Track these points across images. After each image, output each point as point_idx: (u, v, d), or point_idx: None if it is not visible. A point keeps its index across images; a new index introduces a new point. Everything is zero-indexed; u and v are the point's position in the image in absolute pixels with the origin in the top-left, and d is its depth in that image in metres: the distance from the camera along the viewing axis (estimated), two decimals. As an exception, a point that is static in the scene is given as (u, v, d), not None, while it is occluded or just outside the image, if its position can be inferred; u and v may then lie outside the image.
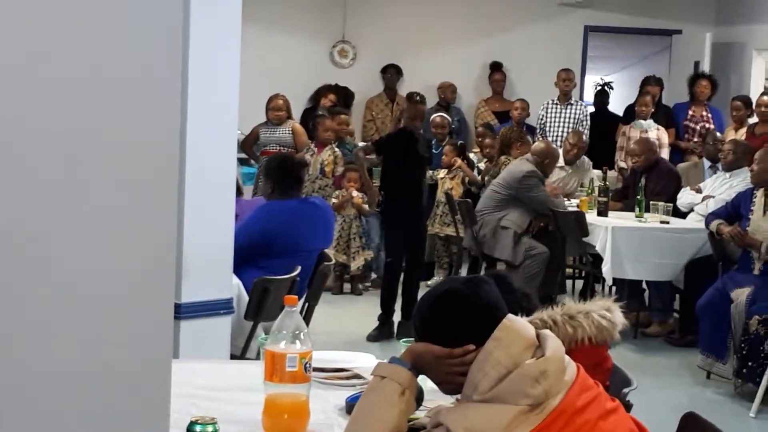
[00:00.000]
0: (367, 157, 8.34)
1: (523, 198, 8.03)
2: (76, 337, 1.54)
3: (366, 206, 8.97)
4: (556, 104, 10.96)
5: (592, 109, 11.52)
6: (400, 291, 7.72)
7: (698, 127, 10.33)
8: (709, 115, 10.40)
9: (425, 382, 2.58)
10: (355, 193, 8.89)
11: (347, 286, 9.24)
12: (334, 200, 8.89)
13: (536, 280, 8.01)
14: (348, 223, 8.99)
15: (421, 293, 7.66)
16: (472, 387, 2.35)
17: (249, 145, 9.58)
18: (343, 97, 11.42)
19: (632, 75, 14.05)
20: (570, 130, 10.56)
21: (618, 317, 2.92)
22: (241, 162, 9.22)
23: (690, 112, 10.50)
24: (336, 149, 9.21)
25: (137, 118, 1.56)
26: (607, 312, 2.89)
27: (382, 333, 7.53)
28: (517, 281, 2.65)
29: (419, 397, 2.55)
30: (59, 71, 1.50)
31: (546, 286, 7.95)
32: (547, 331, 2.47)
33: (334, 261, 5.82)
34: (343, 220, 8.96)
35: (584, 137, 9.72)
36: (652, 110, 10.36)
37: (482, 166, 9.90)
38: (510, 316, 2.45)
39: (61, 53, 1.50)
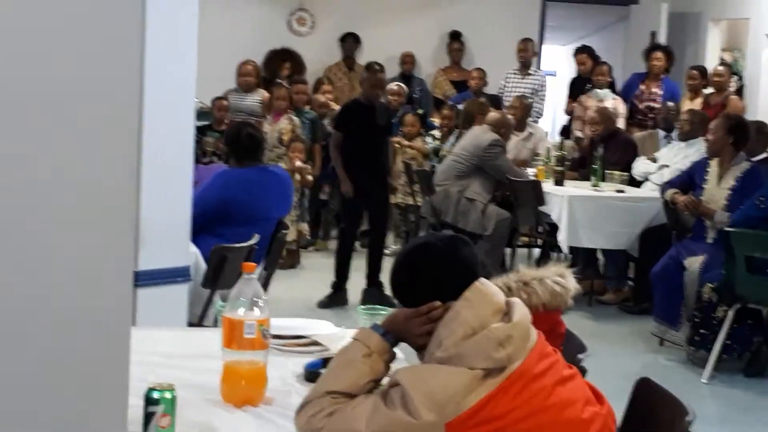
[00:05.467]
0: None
1: (487, 167, 8.04)
2: (35, 307, 1.54)
3: (309, 177, 8.92)
4: (516, 74, 10.99)
5: (552, 77, 11.53)
6: (365, 259, 7.77)
7: (642, 106, 10.24)
8: (660, 92, 10.22)
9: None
10: (298, 164, 8.81)
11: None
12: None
13: (502, 246, 8.07)
14: None
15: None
16: (437, 343, 2.39)
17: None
18: (297, 63, 11.36)
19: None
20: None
21: (571, 282, 2.96)
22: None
23: (641, 88, 10.36)
24: (294, 118, 9.18)
25: (95, 84, 1.55)
26: (560, 278, 2.93)
27: (333, 300, 7.57)
28: (476, 248, 2.67)
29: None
30: (15, 38, 1.49)
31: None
32: (516, 299, 2.51)
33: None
34: None
35: (525, 101, 9.71)
36: (609, 80, 10.37)
37: (437, 134, 9.91)
38: (482, 279, 2.48)
39: (17, 24, 1.49)
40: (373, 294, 7.48)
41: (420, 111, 10.42)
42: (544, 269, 3.00)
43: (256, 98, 9.60)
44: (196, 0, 4.57)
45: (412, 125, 9.64)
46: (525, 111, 9.61)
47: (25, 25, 1.51)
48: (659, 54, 10.30)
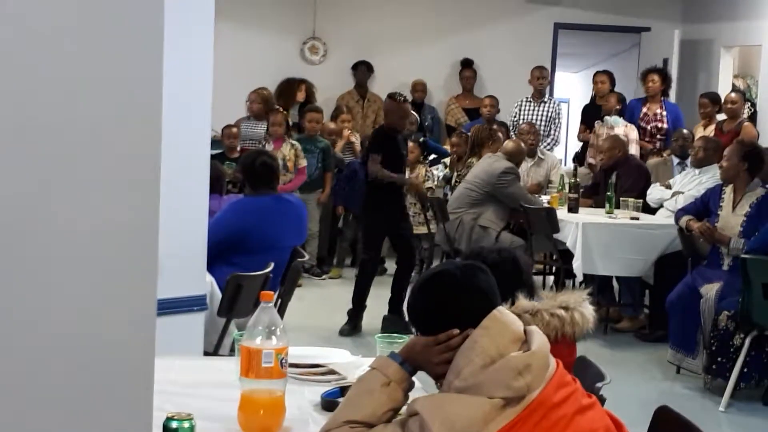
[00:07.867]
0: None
1: (500, 194, 8.04)
2: (61, 336, 1.53)
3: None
4: (530, 102, 10.99)
5: (565, 104, 11.52)
6: (384, 286, 7.78)
7: (649, 127, 10.24)
8: (664, 113, 10.26)
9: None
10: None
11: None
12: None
13: None
14: None
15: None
16: (455, 372, 2.37)
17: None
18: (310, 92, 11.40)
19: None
20: (543, 127, 10.63)
21: (578, 314, 2.94)
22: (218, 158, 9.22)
23: (644, 110, 10.38)
24: (294, 142, 9.22)
25: (119, 111, 1.55)
26: (561, 310, 2.90)
27: (352, 328, 7.57)
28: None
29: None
30: (42, 72, 1.50)
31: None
32: (534, 327, 2.50)
33: (307, 257, 5.81)
34: None
35: (535, 127, 9.78)
36: (617, 107, 10.31)
37: (447, 161, 9.93)
38: (500, 308, 2.47)
39: (42, 53, 1.50)
40: (393, 321, 7.48)
41: (421, 139, 10.43)
42: (550, 299, 2.98)
43: (265, 126, 9.64)
44: (211, 29, 4.59)
45: (411, 151, 9.64)
46: (536, 135, 9.66)
47: (52, 57, 1.51)
48: (654, 76, 10.32)
